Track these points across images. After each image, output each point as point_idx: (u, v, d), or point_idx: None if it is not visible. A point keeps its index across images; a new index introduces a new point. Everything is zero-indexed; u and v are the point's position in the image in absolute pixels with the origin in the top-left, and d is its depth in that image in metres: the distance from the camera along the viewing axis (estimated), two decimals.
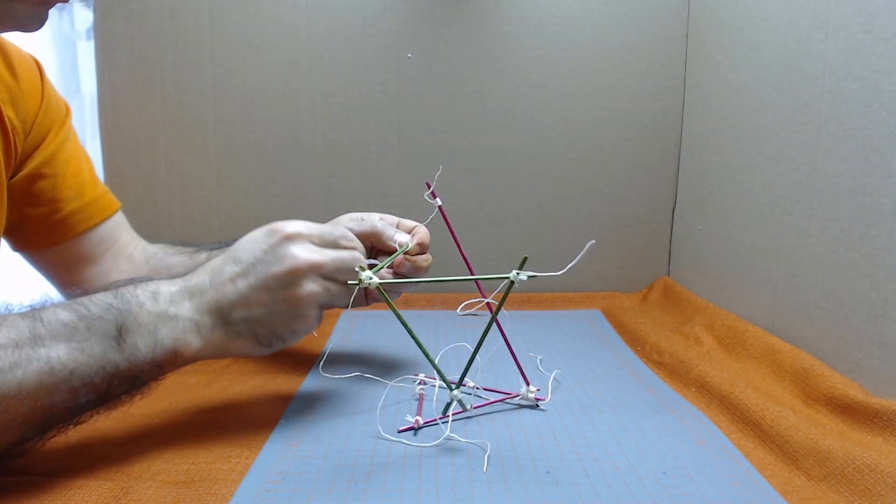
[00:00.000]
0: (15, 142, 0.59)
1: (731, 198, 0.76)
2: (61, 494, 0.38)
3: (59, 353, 0.38)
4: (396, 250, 0.55)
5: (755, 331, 0.64)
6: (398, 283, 0.56)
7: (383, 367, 0.63)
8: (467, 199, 0.92)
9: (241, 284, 0.45)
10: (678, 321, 0.75)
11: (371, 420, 0.49)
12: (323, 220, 0.67)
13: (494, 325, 0.46)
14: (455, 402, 0.47)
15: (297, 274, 0.45)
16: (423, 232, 0.59)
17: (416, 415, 0.49)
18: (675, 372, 0.60)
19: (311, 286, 0.45)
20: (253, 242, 0.47)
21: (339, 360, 0.65)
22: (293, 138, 0.90)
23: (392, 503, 0.38)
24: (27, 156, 0.61)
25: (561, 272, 0.42)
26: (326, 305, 0.48)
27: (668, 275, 0.94)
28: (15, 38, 0.62)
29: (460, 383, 0.47)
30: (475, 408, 0.51)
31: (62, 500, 0.38)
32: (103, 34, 0.89)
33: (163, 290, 0.44)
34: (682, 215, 0.91)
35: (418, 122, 0.91)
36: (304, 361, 0.64)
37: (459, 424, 0.49)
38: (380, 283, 0.45)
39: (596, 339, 0.73)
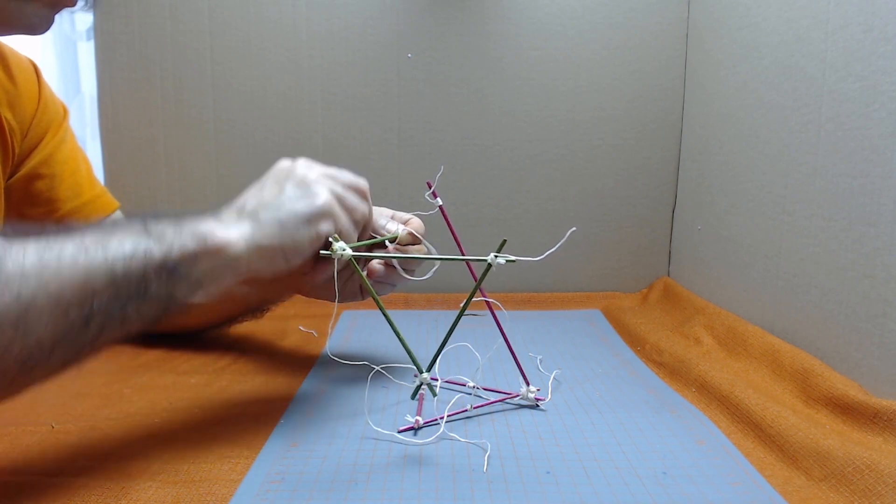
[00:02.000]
0: (13, 143, 0.59)
1: (731, 198, 0.76)
2: (61, 494, 0.38)
3: (92, 236, 0.37)
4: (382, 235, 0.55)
5: (755, 331, 0.64)
6: (370, 256, 0.54)
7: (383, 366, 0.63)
8: (467, 199, 0.92)
9: (257, 191, 0.47)
10: (678, 321, 0.75)
11: (371, 420, 0.49)
12: None
13: (497, 327, 0.46)
14: (426, 389, 0.47)
15: (306, 166, 0.48)
16: (416, 222, 0.58)
17: (416, 415, 0.49)
18: (675, 372, 0.60)
19: (317, 168, 0.48)
20: (263, 177, 0.49)
21: (339, 362, 0.65)
22: (293, 138, 0.90)
23: (392, 503, 0.38)
24: (24, 157, 0.62)
25: (540, 258, 0.42)
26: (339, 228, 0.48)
27: (668, 275, 0.94)
28: (15, 40, 0.62)
29: (431, 367, 0.47)
30: (475, 407, 0.51)
31: (62, 500, 0.38)
32: (103, 34, 0.89)
33: (191, 215, 0.44)
34: (682, 215, 0.91)
35: (418, 122, 0.91)
36: (304, 362, 0.64)
37: (459, 424, 0.49)
38: (353, 256, 0.46)
39: (596, 339, 0.73)
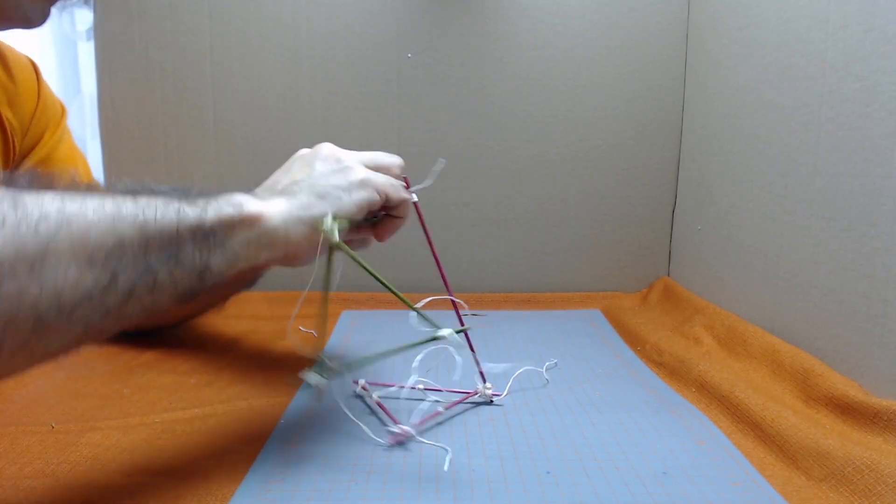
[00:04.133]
0: (13, 141, 0.59)
1: (731, 198, 0.76)
2: (61, 494, 0.38)
3: (118, 192, 0.34)
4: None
5: (755, 331, 0.64)
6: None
7: (383, 367, 0.63)
8: (467, 199, 0.92)
9: (285, 175, 0.47)
10: (678, 321, 0.75)
11: (371, 420, 0.49)
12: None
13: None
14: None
15: (331, 149, 0.49)
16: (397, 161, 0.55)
17: (396, 424, 0.47)
18: (675, 372, 0.60)
19: (346, 152, 0.48)
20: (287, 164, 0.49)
21: (340, 361, 0.65)
22: (293, 138, 0.90)
23: (392, 503, 0.38)
24: (24, 155, 0.62)
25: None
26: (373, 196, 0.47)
27: (668, 275, 0.94)
28: (16, 39, 0.62)
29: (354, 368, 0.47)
30: (447, 408, 0.51)
31: (62, 500, 0.38)
32: (103, 34, 0.89)
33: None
34: (682, 215, 0.91)
35: (418, 122, 0.91)
36: (304, 362, 0.64)
37: (459, 424, 0.49)
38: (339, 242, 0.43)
39: (596, 339, 0.73)
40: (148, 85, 0.90)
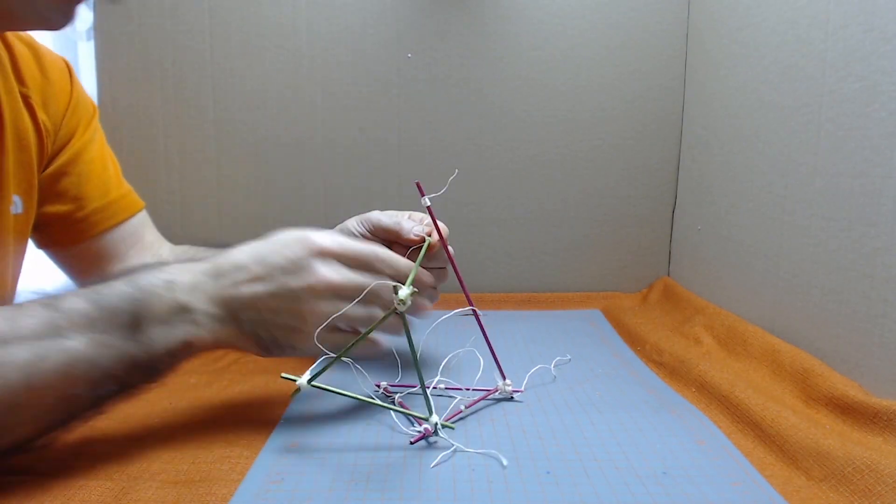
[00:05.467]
0: (46, 143, 0.61)
1: (731, 198, 0.76)
2: (61, 494, 0.38)
3: (79, 345, 0.39)
4: (414, 242, 0.54)
5: (755, 331, 0.64)
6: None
7: (383, 366, 0.63)
8: (467, 199, 0.92)
9: (258, 288, 0.45)
10: (678, 321, 0.75)
11: (371, 420, 0.49)
12: (323, 220, 0.67)
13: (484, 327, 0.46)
14: (436, 431, 0.46)
15: (313, 292, 0.45)
16: (442, 228, 0.57)
17: (419, 424, 0.47)
18: (675, 372, 0.60)
19: (322, 305, 0.45)
20: (282, 246, 0.46)
21: (339, 362, 0.64)
22: (293, 138, 0.90)
23: (392, 503, 0.38)
24: (55, 154, 0.63)
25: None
26: (350, 328, 0.47)
27: (668, 275, 0.94)
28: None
29: (430, 411, 0.46)
30: (468, 407, 0.51)
31: (62, 500, 0.38)
32: (103, 34, 0.89)
33: (178, 279, 0.44)
34: (682, 215, 0.91)
35: (418, 122, 0.91)
36: (304, 361, 0.64)
37: (459, 424, 0.49)
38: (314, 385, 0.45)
39: (596, 339, 0.73)
40: (148, 85, 0.90)
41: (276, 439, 0.46)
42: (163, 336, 0.42)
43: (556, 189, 0.93)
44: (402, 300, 0.42)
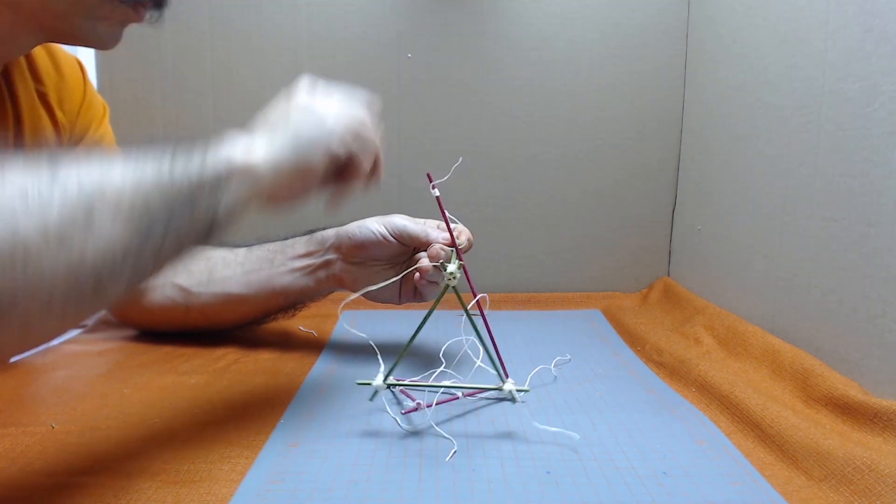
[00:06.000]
0: (63, 138, 0.61)
1: (731, 198, 0.76)
2: (61, 494, 0.38)
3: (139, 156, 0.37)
4: (430, 248, 0.59)
5: (755, 331, 0.64)
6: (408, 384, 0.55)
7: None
8: (467, 199, 0.92)
9: (269, 111, 0.47)
10: (678, 321, 0.75)
11: (371, 420, 0.49)
12: (323, 220, 0.67)
13: (490, 326, 0.46)
14: (512, 396, 0.52)
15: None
16: (465, 230, 0.62)
17: (413, 400, 0.50)
18: (675, 372, 0.60)
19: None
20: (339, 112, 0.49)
21: (340, 361, 0.65)
22: None
23: (392, 503, 0.38)
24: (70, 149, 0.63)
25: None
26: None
27: (668, 275, 0.94)
28: None
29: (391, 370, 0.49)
30: (466, 395, 0.52)
31: (62, 500, 0.38)
32: None
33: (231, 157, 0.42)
34: (682, 215, 0.91)
35: (418, 122, 0.91)
36: (304, 362, 0.64)
37: (459, 424, 0.49)
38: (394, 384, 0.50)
39: (596, 339, 0.73)
40: (148, 85, 0.90)
41: (276, 439, 0.46)
42: (209, 155, 0.40)
43: (556, 189, 0.93)
44: (451, 274, 0.48)
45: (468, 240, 0.61)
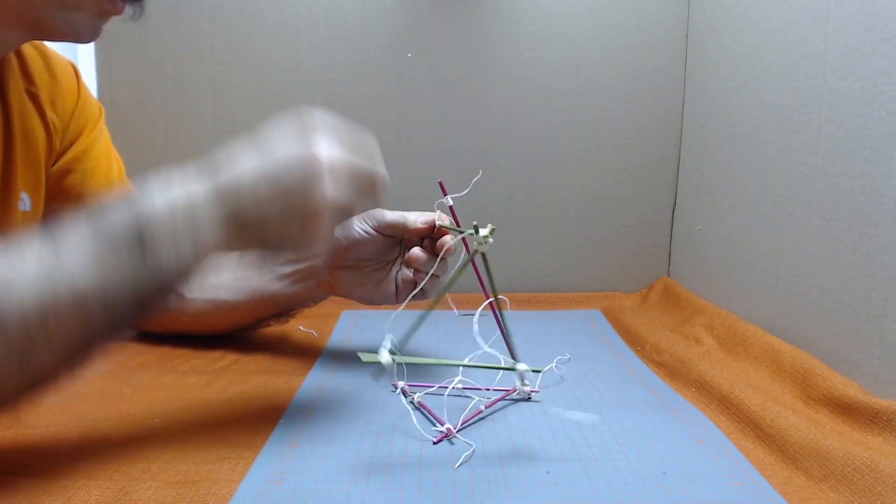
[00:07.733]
0: (55, 141, 0.61)
1: (731, 198, 0.76)
2: (61, 494, 0.38)
3: (88, 280, 0.37)
4: (422, 231, 0.59)
5: (755, 331, 0.64)
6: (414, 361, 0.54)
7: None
8: (467, 199, 0.92)
9: (265, 209, 0.43)
10: (678, 321, 0.75)
11: (371, 420, 0.49)
12: None
13: (497, 325, 0.46)
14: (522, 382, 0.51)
15: (322, 211, 0.43)
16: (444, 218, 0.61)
17: (439, 421, 0.48)
18: (675, 372, 0.60)
19: (330, 221, 0.44)
20: (287, 168, 0.45)
21: (340, 361, 0.65)
22: None
23: (392, 503, 0.38)
24: (63, 152, 0.64)
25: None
26: (340, 215, 0.46)
27: (668, 275, 0.94)
28: None
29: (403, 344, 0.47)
30: (488, 407, 0.51)
31: (62, 500, 0.38)
32: (103, 34, 0.89)
33: (178, 202, 0.41)
34: (682, 215, 0.91)
35: (418, 122, 0.91)
36: (304, 362, 0.64)
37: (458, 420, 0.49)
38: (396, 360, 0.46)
39: (596, 339, 0.73)
40: (148, 85, 0.90)
41: (276, 439, 0.46)
42: (170, 258, 0.40)
43: (556, 189, 0.93)
44: (485, 238, 0.45)
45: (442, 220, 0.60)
